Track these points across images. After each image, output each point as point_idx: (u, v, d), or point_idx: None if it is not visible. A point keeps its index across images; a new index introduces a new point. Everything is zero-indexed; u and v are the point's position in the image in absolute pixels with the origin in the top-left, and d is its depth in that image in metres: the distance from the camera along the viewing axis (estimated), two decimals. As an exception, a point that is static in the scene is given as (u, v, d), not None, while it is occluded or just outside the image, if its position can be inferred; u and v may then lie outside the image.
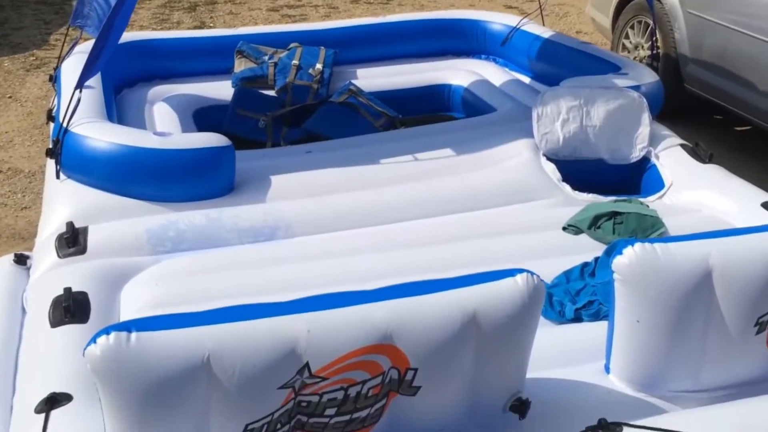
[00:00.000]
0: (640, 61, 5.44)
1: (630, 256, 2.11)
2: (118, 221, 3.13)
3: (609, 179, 3.76)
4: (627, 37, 5.88)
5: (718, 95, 5.12)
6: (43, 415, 2.04)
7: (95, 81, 3.75)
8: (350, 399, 1.87)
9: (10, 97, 6.14)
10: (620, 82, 3.98)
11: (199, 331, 1.77)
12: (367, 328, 1.84)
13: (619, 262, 2.13)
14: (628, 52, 5.79)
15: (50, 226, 3.18)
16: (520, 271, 2.00)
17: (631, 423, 2.04)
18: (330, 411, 1.87)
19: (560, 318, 2.68)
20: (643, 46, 5.69)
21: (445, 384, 1.96)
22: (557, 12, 8.48)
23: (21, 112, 5.86)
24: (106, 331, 1.72)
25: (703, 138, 3.92)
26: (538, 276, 2.01)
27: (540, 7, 5.44)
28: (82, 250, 2.97)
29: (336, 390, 1.85)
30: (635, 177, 3.82)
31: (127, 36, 4.44)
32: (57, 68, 4.20)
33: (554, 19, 8.09)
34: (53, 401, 2.08)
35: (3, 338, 2.60)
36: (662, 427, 2.04)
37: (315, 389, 1.84)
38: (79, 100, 3.33)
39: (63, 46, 4.50)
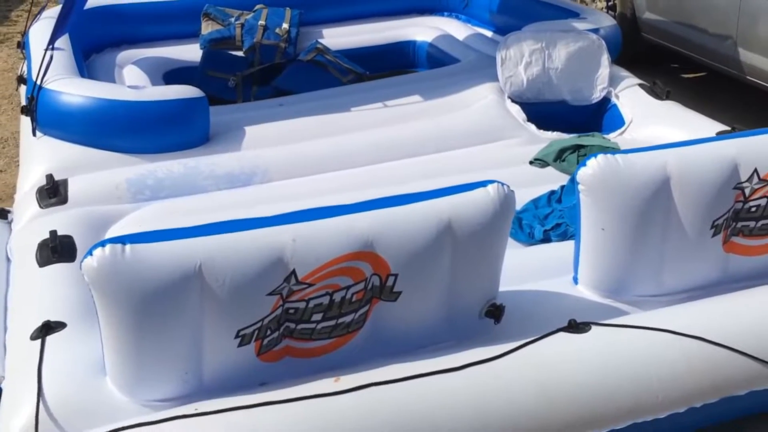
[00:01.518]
0: (598, 12, 5.56)
1: (593, 166, 2.24)
2: (98, 172, 3.19)
3: (572, 120, 3.88)
4: (584, -11, 6.01)
5: (675, 42, 5.27)
6: (39, 341, 2.12)
7: (65, 43, 3.79)
8: (335, 304, 1.98)
9: (-25, 72, 6.09)
10: (579, 25, 4.11)
11: (190, 242, 1.86)
12: (350, 236, 1.95)
13: (583, 173, 2.25)
14: (586, 4, 5.91)
15: (29, 181, 3.23)
16: (492, 182, 2.12)
17: (599, 322, 2.18)
18: (317, 316, 1.98)
19: (530, 240, 2.81)
20: (600, -2, 5.83)
21: (424, 289, 2.07)
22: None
23: (-13, 85, 5.83)
24: (102, 243, 1.81)
25: (659, 84, 4.05)
26: (507, 186, 2.13)
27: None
28: (64, 200, 3.04)
29: (321, 296, 1.96)
30: (597, 117, 3.95)
31: (94, 1, 4.46)
32: (25, 34, 4.22)
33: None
34: (48, 328, 2.16)
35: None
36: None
37: (302, 295, 1.94)
38: (51, 57, 3.37)
39: (28, 16, 4.51)
